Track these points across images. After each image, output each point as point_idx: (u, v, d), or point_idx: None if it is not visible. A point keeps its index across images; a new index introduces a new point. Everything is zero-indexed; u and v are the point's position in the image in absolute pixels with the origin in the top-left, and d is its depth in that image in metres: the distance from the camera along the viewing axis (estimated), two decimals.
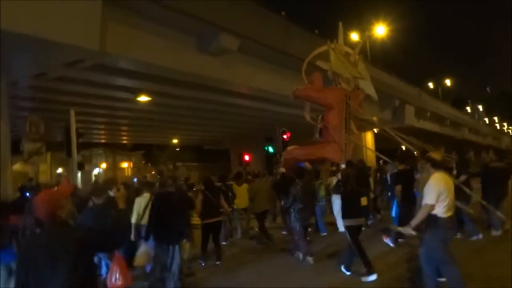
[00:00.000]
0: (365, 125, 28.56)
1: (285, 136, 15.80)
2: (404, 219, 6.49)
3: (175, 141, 31.77)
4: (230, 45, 12.82)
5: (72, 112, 8.32)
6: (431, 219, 4.76)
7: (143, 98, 15.67)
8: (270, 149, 16.12)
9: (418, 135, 14.67)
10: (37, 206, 2.62)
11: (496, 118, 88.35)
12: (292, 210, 7.53)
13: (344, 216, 6.61)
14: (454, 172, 9.00)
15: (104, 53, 10.14)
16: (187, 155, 36.56)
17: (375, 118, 27.04)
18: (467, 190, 7.70)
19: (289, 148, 10.30)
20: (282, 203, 8.77)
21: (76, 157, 8.98)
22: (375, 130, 29.24)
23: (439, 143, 26.42)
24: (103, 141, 31.25)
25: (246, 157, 24.39)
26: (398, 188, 8.35)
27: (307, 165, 9.58)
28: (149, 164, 36.24)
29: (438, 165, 4.89)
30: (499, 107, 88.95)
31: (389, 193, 9.73)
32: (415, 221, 4.81)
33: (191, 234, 7.12)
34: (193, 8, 11.01)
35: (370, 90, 10.17)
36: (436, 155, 5.03)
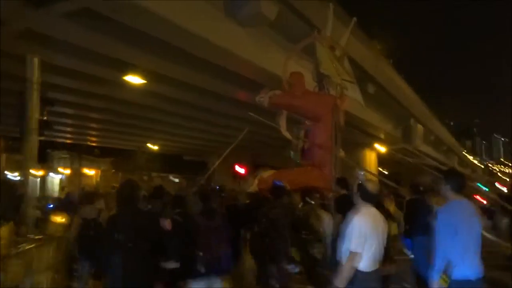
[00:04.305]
0: (368, 143, 25.73)
1: None
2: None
3: (155, 147, 27.69)
4: (267, 12, 9.49)
5: (36, 61, 4.57)
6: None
7: (134, 79, 11.59)
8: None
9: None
10: None
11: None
12: None
13: None
14: None
15: None
16: (162, 165, 32.43)
17: (382, 136, 24.38)
18: None
19: (264, 174, 8.07)
20: None
21: (36, 140, 5.06)
22: (380, 150, 26.31)
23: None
24: (68, 141, 26.57)
25: (241, 170, 20.74)
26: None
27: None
28: (119, 174, 31.77)
29: (369, 198, 3.71)
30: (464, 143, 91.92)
31: None
32: (340, 281, 3.48)
33: None
34: None
35: (357, 95, 8.35)
36: (370, 184, 3.89)
